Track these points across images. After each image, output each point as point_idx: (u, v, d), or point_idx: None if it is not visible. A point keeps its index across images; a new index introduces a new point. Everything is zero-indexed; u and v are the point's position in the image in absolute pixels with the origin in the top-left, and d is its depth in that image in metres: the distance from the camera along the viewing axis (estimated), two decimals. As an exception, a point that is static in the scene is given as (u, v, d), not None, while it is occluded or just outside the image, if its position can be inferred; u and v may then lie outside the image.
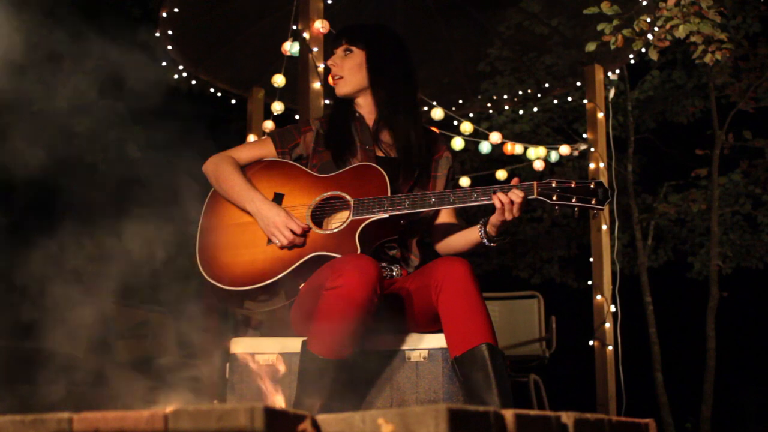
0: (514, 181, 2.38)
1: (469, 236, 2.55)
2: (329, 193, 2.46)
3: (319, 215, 2.46)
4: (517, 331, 5.10)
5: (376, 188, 2.41)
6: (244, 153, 2.60)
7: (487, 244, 2.46)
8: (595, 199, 2.31)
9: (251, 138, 5.32)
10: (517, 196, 2.30)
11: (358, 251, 2.32)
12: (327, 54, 4.34)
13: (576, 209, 2.32)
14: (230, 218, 2.51)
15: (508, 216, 2.32)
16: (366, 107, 2.64)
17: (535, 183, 2.34)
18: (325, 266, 2.31)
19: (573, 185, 2.32)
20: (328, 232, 2.40)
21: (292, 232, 2.38)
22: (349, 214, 2.40)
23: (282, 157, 2.59)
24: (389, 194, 2.39)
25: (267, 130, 4.52)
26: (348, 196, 2.42)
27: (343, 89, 2.61)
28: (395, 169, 2.52)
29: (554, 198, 2.31)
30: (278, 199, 2.49)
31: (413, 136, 2.57)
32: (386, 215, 2.37)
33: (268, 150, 2.61)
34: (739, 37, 7.17)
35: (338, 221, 2.44)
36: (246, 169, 2.58)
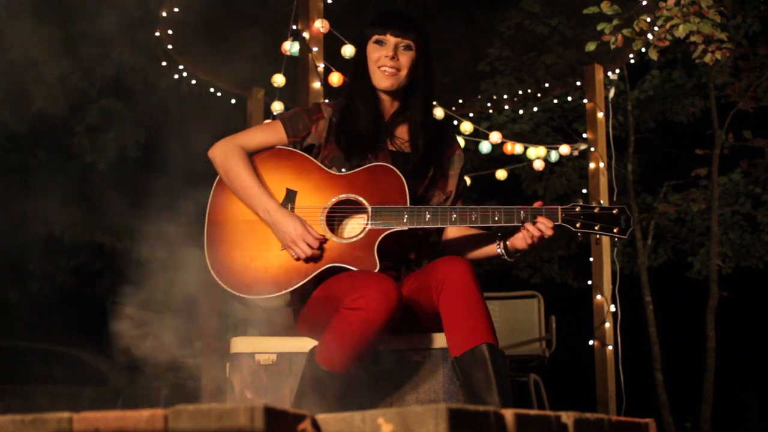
0: (538, 204, 2.34)
1: (487, 250, 2.51)
2: (344, 195, 2.39)
3: (333, 218, 2.40)
4: (517, 330, 5.10)
5: (394, 194, 2.35)
6: (253, 140, 2.48)
7: (507, 259, 2.44)
8: (617, 228, 2.31)
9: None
10: (547, 228, 2.29)
11: (377, 266, 2.29)
12: (327, 54, 4.35)
13: (598, 237, 2.32)
14: (240, 214, 2.42)
15: (535, 243, 2.31)
16: (387, 101, 2.54)
17: (559, 208, 2.31)
18: (343, 277, 2.28)
19: (597, 211, 2.31)
20: (345, 241, 2.34)
21: (309, 246, 2.31)
22: (367, 223, 2.35)
23: (293, 146, 2.48)
24: (408, 202, 2.34)
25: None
26: (365, 202, 2.36)
27: (394, 84, 2.47)
28: (408, 166, 2.46)
29: (578, 225, 2.31)
30: (291, 196, 2.40)
31: (428, 133, 2.52)
32: (405, 228, 2.33)
33: (278, 137, 2.48)
34: (739, 36, 7.17)
35: (354, 226, 2.39)
36: (254, 157, 2.47)
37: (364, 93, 2.52)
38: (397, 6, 5.58)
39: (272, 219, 2.36)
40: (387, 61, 2.46)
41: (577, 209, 2.32)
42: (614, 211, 2.31)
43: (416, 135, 2.52)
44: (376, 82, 2.49)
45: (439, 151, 2.56)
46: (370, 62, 2.50)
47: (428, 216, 2.32)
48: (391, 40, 2.47)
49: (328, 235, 2.36)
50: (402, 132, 2.56)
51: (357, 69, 2.55)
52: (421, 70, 2.51)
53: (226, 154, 2.44)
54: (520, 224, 2.32)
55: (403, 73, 2.47)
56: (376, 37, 2.49)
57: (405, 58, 2.47)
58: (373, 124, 2.50)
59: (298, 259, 2.34)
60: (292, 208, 2.40)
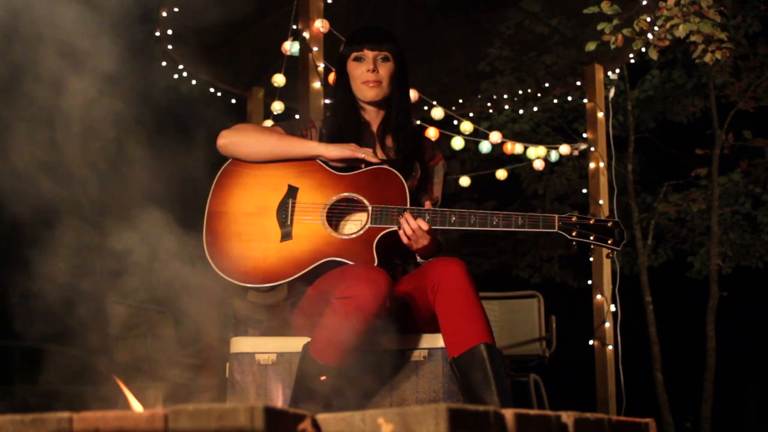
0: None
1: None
2: (346, 194, 2.42)
3: (333, 216, 2.42)
4: (517, 330, 5.10)
5: (395, 195, 2.39)
6: None
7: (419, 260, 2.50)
8: (611, 240, 2.35)
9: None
10: (411, 220, 2.32)
11: (375, 261, 2.31)
12: (327, 54, 4.35)
13: (592, 246, 2.38)
14: (240, 206, 2.44)
15: (414, 246, 2.35)
16: (372, 112, 2.60)
17: (556, 216, 2.36)
18: (335, 271, 2.30)
19: (592, 222, 2.36)
20: (345, 237, 2.36)
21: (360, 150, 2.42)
22: (367, 221, 2.37)
23: None
24: (408, 204, 2.38)
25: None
26: (366, 201, 2.39)
27: (379, 95, 2.55)
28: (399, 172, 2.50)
29: (574, 234, 2.35)
30: (293, 192, 2.43)
31: (407, 134, 2.58)
32: None
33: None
34: (739, 36, 7.18)
35: (354, 225, 2.42)
36: None
37: (347, 110, 2.59)
38: (398, 7, 5.59)
39: (322, 150, 2.43)
40: (369, 75, 2.53)
41: (573, 219, 2.36)
42: (609, 224, 2.36)
43: (397, 139, 2.58)
44: (362, 95, 2.56)
45: (421, 154, 2.61)
46: (353, 79, 2.57)
47: (427, 218, 2.35)
48: (369, 54, 2.55)
49: (328, 230, 2.38)
50: (389, 141, 2.61)
51: (337, 88, 2.63)
52: (400, 81, 2.59)
53: (243, 128, 2.50)
54: (517, 229, 2.35)
55: (385, 83, 2.56)
56: (354, 54, 2.56)
57: (384, 69, 2.55)
58: (355, 139, 2.54)
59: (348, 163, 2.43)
60: (294, 204, 2.43)
